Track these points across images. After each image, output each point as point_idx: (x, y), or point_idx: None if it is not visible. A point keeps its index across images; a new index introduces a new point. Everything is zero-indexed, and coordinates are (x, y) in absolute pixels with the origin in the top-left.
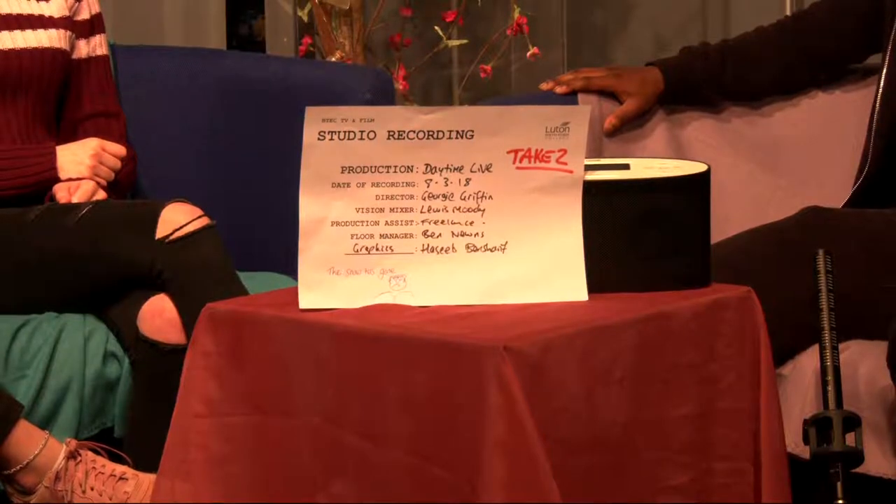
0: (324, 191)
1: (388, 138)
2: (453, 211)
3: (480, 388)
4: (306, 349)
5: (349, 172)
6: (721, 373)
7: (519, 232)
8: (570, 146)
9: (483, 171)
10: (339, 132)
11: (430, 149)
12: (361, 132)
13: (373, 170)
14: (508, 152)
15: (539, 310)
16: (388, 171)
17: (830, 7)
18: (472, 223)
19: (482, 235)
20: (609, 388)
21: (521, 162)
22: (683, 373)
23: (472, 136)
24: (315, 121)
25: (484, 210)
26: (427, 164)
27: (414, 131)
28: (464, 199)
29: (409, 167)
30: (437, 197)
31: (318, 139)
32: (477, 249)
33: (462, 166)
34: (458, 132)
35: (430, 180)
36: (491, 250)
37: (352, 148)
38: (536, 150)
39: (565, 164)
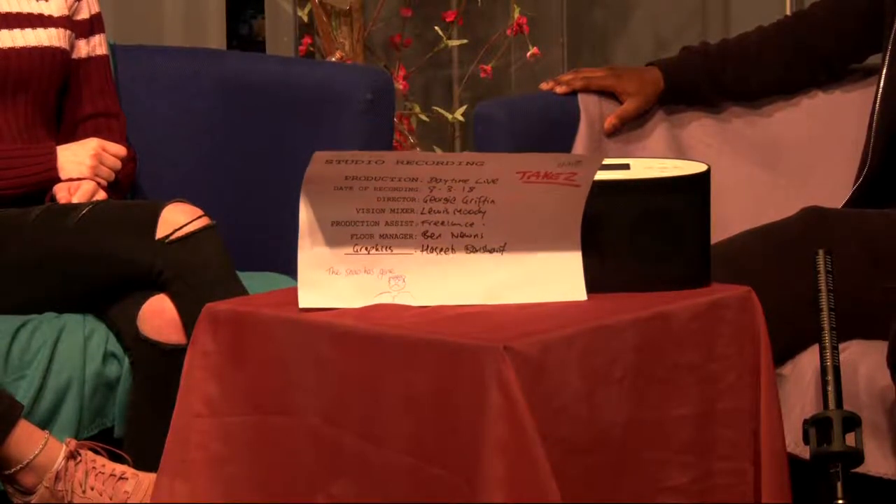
0: (325, 191)
1: (397, 163)
2: (454, 213)
3: (480, 388)
4: (306, 349)
5: (353, 178)
6: (721, 373)
7: (518, 232)
8: (581, 170)
9: (488, 183)
10: (346, 160)
11: (438, 169)
12: (370, 161)
13: (376, 178)
14: (517, 172)
15: (539, 310)
16: (391, 179)
17: (830, 7)
18: (472, 224)
19: (482, 237)
20: (609, 388)
21: (528, 179)
22: (683, 373)
23: (483, 163)
24: (320, 162)
25: (485, 212)
26: (433, 178)
27: (425, 160)
28: (465, 202)
29: (413, 178)
30: (439, 200)
31: (326, 163)
32: (476, 250)
33: (468, 178)
34: (468, 162)
35: (434, 186)
36: (490, 251)
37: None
38: (546, 172)
39: (573, 180)
